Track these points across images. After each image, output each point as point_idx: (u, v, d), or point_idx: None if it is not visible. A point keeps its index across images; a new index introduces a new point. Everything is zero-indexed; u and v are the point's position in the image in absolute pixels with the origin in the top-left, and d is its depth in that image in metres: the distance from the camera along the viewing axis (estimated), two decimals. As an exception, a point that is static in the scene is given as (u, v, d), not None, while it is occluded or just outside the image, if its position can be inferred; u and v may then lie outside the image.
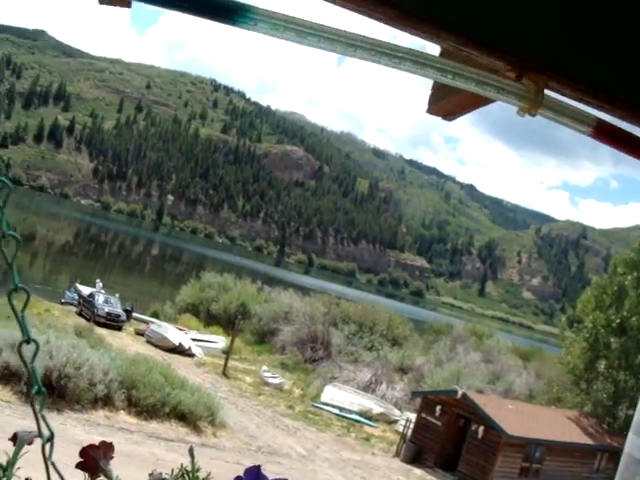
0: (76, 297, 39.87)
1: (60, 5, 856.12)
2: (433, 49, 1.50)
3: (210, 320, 42.66)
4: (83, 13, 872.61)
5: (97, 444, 1.11)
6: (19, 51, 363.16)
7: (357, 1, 1.26)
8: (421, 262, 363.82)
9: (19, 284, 0.99)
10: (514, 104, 1.38)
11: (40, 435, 0.96)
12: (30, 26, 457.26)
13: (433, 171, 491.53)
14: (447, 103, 2.01)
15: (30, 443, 0.99)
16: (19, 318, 0.98)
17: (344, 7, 1.30)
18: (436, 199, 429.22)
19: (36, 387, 0.97)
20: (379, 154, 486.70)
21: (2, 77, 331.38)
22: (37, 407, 0.96)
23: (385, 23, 1.40)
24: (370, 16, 1.35)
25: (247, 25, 1.16)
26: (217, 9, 1.15)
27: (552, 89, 1.42)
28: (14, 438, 0.99)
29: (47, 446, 0.98)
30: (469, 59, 1.42)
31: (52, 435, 0.95)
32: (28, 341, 0.99)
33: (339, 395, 30.41)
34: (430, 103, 2.09)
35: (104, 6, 2.10)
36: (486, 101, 1.93)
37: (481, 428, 25.09)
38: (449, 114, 2.09)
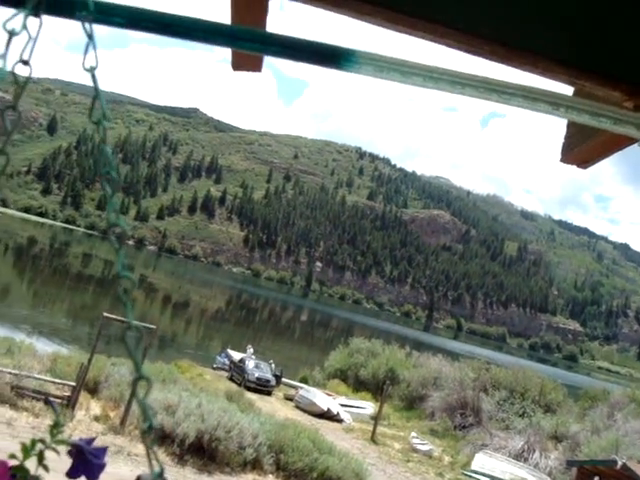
0: (227, 362, 40.72)
1: (211, 84, 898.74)
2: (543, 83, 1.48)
3: (358, 386, 42.49)
4: (233, 90, 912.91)
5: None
6: (175, 128, 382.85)
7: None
8: (574, 325, 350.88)
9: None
10: (632, 135, 1.33)
11: (151, 470, 0.96)
12: (184, 105, 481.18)
13: (584, 231, 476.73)
14: (581, 150, 1.95)
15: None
16: (132, 353, 1.00)
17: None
18: (588, 260, 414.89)
19: (147, 423, 0.99)
20: (527, 216, 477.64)
21: (160, 153, 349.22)
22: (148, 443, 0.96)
23: (493, 60, 1.40)
24: (482, 56, 1.36)
25: (352, 68, 1.19)
26: (323, 55, 1.20)
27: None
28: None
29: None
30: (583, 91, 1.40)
31: (162, 470, 0.96)
32: (142, 378, 1.01)
33: (490, 463, 29.43)
34: (563, 152, 2.04)
35: (238, 72, 2.23)
36: (622, 145, 1.86)
37: (645, 501, 23.58)
38: (584, 162, 2.03)
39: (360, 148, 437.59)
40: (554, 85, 1.43)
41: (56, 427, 1.26)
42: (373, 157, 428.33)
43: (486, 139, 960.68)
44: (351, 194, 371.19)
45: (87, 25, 1.05)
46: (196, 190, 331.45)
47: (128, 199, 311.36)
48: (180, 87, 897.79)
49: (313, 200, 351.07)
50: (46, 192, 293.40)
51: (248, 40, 1.17)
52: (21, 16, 1.00)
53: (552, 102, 1.19)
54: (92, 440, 1.27)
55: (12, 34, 0.98)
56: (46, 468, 1.21)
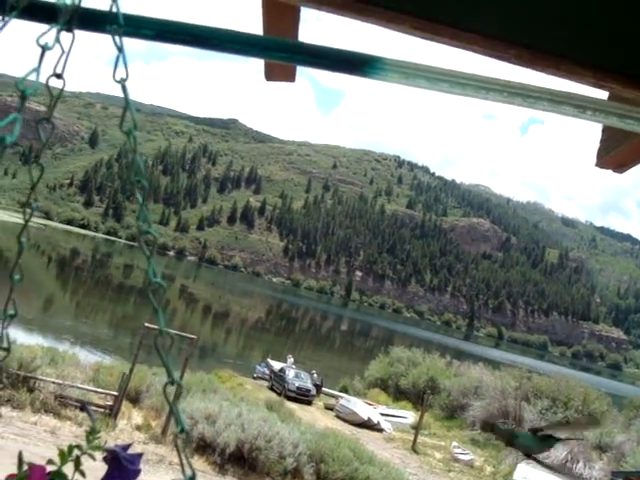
0: (266, 371, 40.87)
1: (250, 95, 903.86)
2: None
3: (399, 395, 42.33)
4: (271, 101, 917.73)
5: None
6: (214, 140, 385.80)
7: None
8: (617, 333, 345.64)
9: (164, 329, 1.04)
10: None
11: (183, 473, 0.98)
12: (223, 116, 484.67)
13: (627, 238, 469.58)
14: (617, 154, 1.93)
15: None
16: (163, 359, 1.02)
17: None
18: (631, 267, 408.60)
19: (180, 427, 1.01)
20: (568, 223, 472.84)
21: (199, 165, 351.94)
22: (181, 447, 0.99)
23: (518, 65, 1.41)
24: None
25: (378, 76, 1.20)
26: (350, 63, 1.22)
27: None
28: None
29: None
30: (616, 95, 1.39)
31: (194, 474, 0.98)
32: (172, 382, 1.04)
33: (533, 474, 29.05)
34: (599, 156, 2.03)
35: (271, 82, 2.25)
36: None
37: (694, 513, 23.13)
38: (620, 166, 2.01)
39: (399, 157, 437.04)
40: (589, 90, 1.42)
41: (92, 433, 1.28)
42: (412, 165, 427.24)
43: (525, 146, 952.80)
44: (390, 203, 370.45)
45: (117, 38, 1.08)
46: (236, 201, 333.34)
47: (169, 210, 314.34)
48: (219, 99, 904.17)
49: (352, 209, 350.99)
50: (88, 204, 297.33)
51: (276, 50, 1.19)
52: (54, 31, 1.03)
53: (578, 105, 1.18)
54: (128, 446, 1.29)
55: (45, 49, 1.00)
56: (83, 474, 1.23)
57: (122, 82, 1.09)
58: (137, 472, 1.26)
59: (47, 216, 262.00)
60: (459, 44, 1.35)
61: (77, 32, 1.09)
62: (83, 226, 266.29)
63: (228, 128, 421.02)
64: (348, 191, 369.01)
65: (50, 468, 1.22)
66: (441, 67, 1.16)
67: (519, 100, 1.18)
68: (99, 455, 1.25)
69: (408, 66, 1.16)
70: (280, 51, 1.20)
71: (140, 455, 1.28)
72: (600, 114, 1.20)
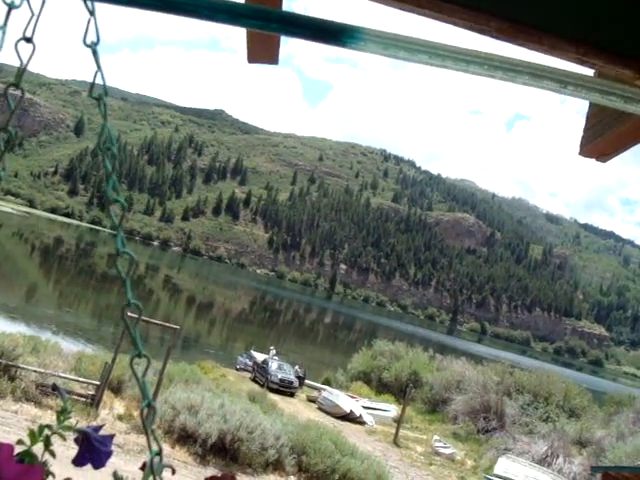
0: (248, 362, 40.88)
1: (237, 86, 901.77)
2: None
3: (381, 388, 42.42)
4: (258, 92, 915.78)
5: None
6: (200, 130, 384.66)
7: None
8: (599, 330, 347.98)
9: (132, 300, 1.03)
10: None
11: (150, 449, 0.98)
12: (210, 107, 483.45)
13: (610, 235, 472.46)
14: (600, 143, 1.92)
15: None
16: (131, 331, 1.02)
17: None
18: (614, 264, 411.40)
19: (146, 401, 1.00)
20: (552, 219, 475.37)
21: (185, 155, 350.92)
22: (148, 421, 0.99)
23: (499, 39, 1.39)
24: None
25: (357, 46, 1.18)
26: (327, 32, 1.19)
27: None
28: (143, 467, 1.05)
29: (156, 460, 1.00)
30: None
31: (160, 450, 0.98)
32: (140, 355, 1.03)
33: (513, 468, 29.20)
34: (582, 145, 2.01)
35: (253, 64, 2.21)
36: (641, 137, 1.85)
37: (671, 508, 23.28)
38: (603, 154, 2.00)
39: (385, 150, 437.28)
40: (574, 67, 1.40)
41: (63, 413, 1.26)
42: (398, 159, 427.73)
43: (511, 141, 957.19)
44: (376, 196, 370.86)
45: (89, 2, 1.05)
46: (221, 192, 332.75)
47: (154, 200, 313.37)
48: (206, 89, 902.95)
49: (337, 202, 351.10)
50: (73, 193, 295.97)
51: (249, 17, 1.16)
52: None
53: (559, 80, 1.15)
54: (99, 428, 1.27)
55: (11, 7, 0.98)
56: (52, 454, 1.21)
57: (93, 46, 1.07)
58: (109, 453, 1.24)
59: (31, 204, 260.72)
60: (440, 16, 1.33)
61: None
62: (67, 215, 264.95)
63: (214, 119, 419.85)
64: (334, 184, 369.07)
65: (20, 448, 1.20)
66: (420, 38, 1.14)
67: (500, 73, 1.15)
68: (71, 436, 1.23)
69: (387, 36, 1.14)
70: (253, 18, 1.16)
71: (112, 437, 1.26)
72: (582, 90, 1.17)
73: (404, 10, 1.36)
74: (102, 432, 1.27)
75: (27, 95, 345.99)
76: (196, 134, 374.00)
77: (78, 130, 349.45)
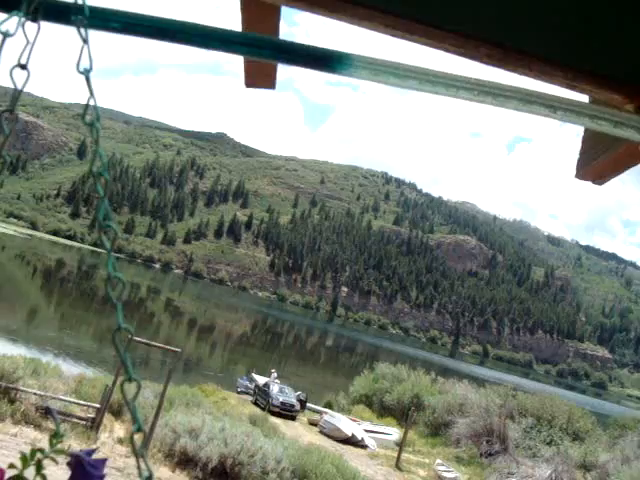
0: (249, 385, 40.75)
1: (238, 109, 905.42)
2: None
3: (383, 411, 42.21)
4: (260, 115, 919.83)
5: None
6: (202, 153, 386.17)
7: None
8: (602, 352, 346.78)
9: (123, 324, 1.05)
10: (633, 139, 1.30)
11: (140, 472, 0.98)
12: (212, 130, 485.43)
13: (612, 257, 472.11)
14: (596, 166, 1.92)
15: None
16: (121, 355, 1.02)
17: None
18: (616, 286, 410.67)
19: (136, 425, 1.00)
20: (554, 241, 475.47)
21: (187, 178, 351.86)
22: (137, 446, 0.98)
23: (489, 64, 1.40)
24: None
25: (347, 72, 1.20)
26: (318, 58, 1.21)
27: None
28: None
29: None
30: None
31: (151, 475, 0.97)
32: (130, 380, 1.03)
33: (517, 492, 29.06)
34: (578, 168, 2.02)
35: (251, 89, 2.23)
36: (638, 159, 1.85)
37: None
38: (599, 177, 2.00)
39: (386, 173, 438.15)
40: (575, 95, 1.40)
41: (55, 437, 1.25)
42: (399, 182, 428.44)
43: (512, 164, 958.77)
44: (377, 219, 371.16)
45: (82, 30, 1.07)
46: (223, 214, 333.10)
47: (155, 223, 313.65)
48: (208, 112, 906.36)
49: (339, 225, 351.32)
50: (75, 215, 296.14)
51: (241, 44, 1.18)
52: (16, 19, 1.02)
53: (548, 105, 1.16)
54: (92, 451, 1.26)
55: (6, 36, 0.99)
56: (44, 478, 1.21)
57: (86, 73, 1.09)
58: (101, 478, 1.23)
59: (33, 227, 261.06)
60: (430, 42, 1.34)
61: (58, 33, 1.06)
62: (69, 237, 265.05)
63: (216, 142, 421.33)
64: (335, 207, 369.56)
65: (11, 472, 1.20)
66: (410, 64, 1.16)
67: (489, 99, 1.16)
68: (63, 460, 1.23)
69: (376, 62, 1.15)
70: (245, 45, 1.18)
71: (104, 460, 1.25)
72: (571, 114, 1.18)
73: (396, 37, 1.37)
74: (97, 455, 1.26)
75: (31, 118, 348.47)
76: (198, 157, 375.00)
77: (81, 153, 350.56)
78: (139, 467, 0.96)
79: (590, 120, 1.19)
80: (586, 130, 1.96)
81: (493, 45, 1.32)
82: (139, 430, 1.00)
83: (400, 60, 1.19)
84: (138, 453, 0.97)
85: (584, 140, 1.98)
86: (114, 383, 19.71)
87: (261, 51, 1.20)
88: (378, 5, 1.33)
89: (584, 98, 1.47)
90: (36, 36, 1.07)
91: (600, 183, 2.05)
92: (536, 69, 1.30)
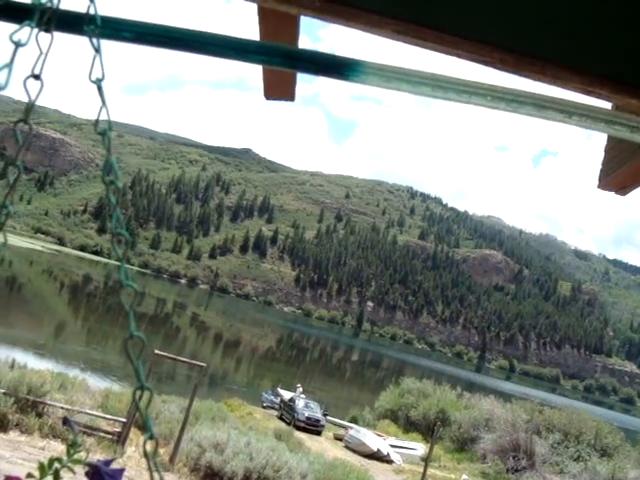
0: (274, 400, 40.74)
1: (263, 125, 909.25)
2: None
3: (409, 426, 42.03)
4: (285, 131, 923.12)
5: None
6: (227, 169, 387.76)
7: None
8: (631, 367, 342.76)
9: (135, 332, 1.06)
10: None
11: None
12: (237, 145, 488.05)
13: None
14: (618, 176, 1.91)
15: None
16: (134, 363, 1.04)
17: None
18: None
19: (149, 433, 1.01)
20: (581, 255, 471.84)
21: (212, 193, 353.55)
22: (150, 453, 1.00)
23: (503, 70, 1.39)
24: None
25: (358, 79, 1.21)
26: (330, 66, 1.22)
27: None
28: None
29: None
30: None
31: None
32: (142, 388, 1.04)
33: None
34: (601, 178, 2.01)
35: (274, 103, 2.24)
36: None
37: None
38: (622, 187, 1.99)
39: (411, 188, 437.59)
40: (591, 100, 1.40)
41: (73, 447, 1.26)
42: (424, 197, 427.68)
43: (538, 177, 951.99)
44: (402, 234, 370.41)
45: (94, 40, 1.09)
46: (248, 230, 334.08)
47: (181, 238, 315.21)
48: (233, 128, 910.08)
49: (364, 240, 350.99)
50: (101, 231, 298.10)
51: (254, 52, 1.19)
52: (29, 30, 1.03)
53: (564, 110, 1.15)
54: (110, 461, 1.27)
55: (18, 45, 1.01)
56: (62, 487, 1.21)
57: (98, 82, 1.10)
58: None
59: (60, 242, 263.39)
60: (443, 48, 1.34)
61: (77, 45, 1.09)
62: (96, 252, 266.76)
63: (242, 157, 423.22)
64: (360, 221, 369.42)
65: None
66: (422, 70, 1.16)
67: (503, 105, 1.16)
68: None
69: (389, 69, 1.16)
70: (256, 53, 1.19)
71: (122, 470, 1.26)
72: (587, 120, 1.16)
73: (408, 43, 1.37)
74: (114, 466, 1.27)
75: (58, 135, 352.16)
76: (223, 173, 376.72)
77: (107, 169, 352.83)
78: (151, 473, 0.97)
79: (606, 125, 1.18)
80: (609, 139, 1.95)
81: (506, 50, 1.32)
82: (151, 437, 1.01)
83: (411, 66, 1.19)
84: (150, 460, 0.98)
85: (607, 150, 1.97)
86: (140, 397, 19.76)
87: (273, 59, 1.21)
88: (389, 12, 1.34)
89: (601, 104, 1.46)
90: (49, 46, 1.08)
91: (623, 193, 2.04)
92: (550, 74, 1.29)
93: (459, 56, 1.34)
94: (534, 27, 1.31)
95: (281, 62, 1.21)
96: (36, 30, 1.05)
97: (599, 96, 1.38)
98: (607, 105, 1.49)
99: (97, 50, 1.09)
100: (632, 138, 1.23)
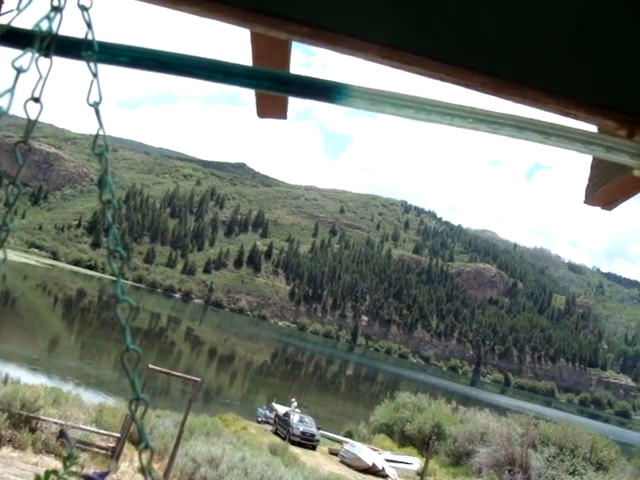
0: (268, 414, 40.64)
1: (258, 139, 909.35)
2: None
3: (404, 441, 41.96)
4: (279, 145, 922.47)
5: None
6: (222, 183, 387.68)
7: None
8: (626, 380, 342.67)
9: (131, 346, 1.08)
10: (626, 163, 1.33)
11: None
12: (231, 160, 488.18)
13: (634, 284, 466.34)
14: (604, 192, 1.94)
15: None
16: (130, 375, 1.05)
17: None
18: (639, 313, 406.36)
19: (144, 443, 1.03)
20: (575, 269, 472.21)
21: (207, 208, 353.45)
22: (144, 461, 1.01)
23: (484, 92, 1.43)
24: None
25: (345, 102, 1.25)
26: (316, 89, 1.27)
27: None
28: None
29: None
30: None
31: None
32: (138, 399, 1.06)
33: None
34: (587, 194, 2.04)
35: (264, 119, 2.29)
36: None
37: None
38: (608, 203, 2.02)
39: (405, 202, 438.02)
40: (580, 124, 1.44)
41: (69, 459, 1.29)
42: (419, 211, 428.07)
43: (531, 191, 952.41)
44: (397, 248, 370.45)
45: (92, 65, 1.13)
46: (242, 244, 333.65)
47: (176, 253, 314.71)
48: (227, 142, 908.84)
49: (359, 254, 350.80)
50: (95, 245, 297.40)
51: (241, 76, 1.23)
52: (29, 55, 1.06)
53: (542, 131, 1.20)
54: (105, 474, 1.29)
55: (20, 71, 1.04)
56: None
57: (95, 106, 1.15)
58: None
59: (54, 257, 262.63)
60: (425, 72, 1.38)
61: (69, 67, 1.11)
62: (90, 267, 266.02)
63: (236, 172, 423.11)
64: (355, 236, 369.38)
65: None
66: (406, 94, 1.20)
67: (484, 126, 1.21)
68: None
69: (374, 92, 1.20)
70: (245, 77, 1.23)
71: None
72: (564, 140, 1.21)
73: (392, 67, 1.41)
74: (108, 479, 1.30)
75: (52, 150, 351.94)
76: (218, 187, 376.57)
77: (101, 184, 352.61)
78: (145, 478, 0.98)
79: (582, 145, 1.23)
80: (594, 157, 1.99)
81: (487, 74, 1.36)
82: (147, 447, 1.02)
83: (396, 90, 1.23)
84: (146, 469, 1.00)
85: (592, 166, 2.01)
86: (136, 408, 19.69)
87: (262, 83, 1.25)
88: (374, 37, 1.38)
89: (582, 125, 1.50)
90: (49, 70, 1.12)
91: (609, 209, 2.07)
92: (530, 96, 1.34)
93: (441, 79, 1.38)
94: (513, 52, 1.36)
95: (270, 86, 1.26)
96: (36, 55, 1.08)
97: (576, 117, 1.43)
98: (588, 127, 1.54)
99: (95, 75, 1.12)
100: (608, 157, 1.27)
